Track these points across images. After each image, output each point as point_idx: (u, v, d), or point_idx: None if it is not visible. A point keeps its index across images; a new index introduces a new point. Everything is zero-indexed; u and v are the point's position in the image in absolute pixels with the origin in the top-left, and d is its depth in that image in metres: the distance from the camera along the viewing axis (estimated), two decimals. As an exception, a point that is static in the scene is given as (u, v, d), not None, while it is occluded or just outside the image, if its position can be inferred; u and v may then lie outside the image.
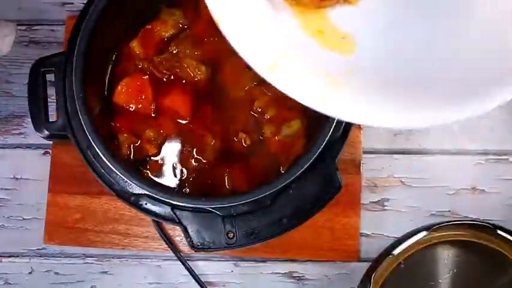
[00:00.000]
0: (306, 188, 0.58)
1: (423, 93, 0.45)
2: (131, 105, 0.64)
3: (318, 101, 0.43)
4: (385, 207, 0.69)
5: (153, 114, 0.65)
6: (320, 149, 0.57)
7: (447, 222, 0.57)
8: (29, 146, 0.71)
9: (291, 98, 0.54)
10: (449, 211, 0.69)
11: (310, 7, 0.48)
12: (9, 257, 0.70)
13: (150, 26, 0.66)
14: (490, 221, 0.57)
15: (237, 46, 0.43)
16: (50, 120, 0.60)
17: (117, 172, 0.57)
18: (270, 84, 0.49)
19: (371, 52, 0.48)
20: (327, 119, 0.58)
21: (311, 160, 0.57)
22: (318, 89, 0.44)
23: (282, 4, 0.48)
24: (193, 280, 0.66)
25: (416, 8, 0.48)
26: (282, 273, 0.68)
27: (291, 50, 0.46)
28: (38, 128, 0.60)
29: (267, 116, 0.64)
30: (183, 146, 0.65)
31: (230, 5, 0.44)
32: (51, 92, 0.61)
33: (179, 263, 0.67)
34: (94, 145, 0.58)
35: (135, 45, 0.65)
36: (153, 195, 0.57)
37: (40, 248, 0.69)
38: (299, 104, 0.57)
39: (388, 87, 0.46)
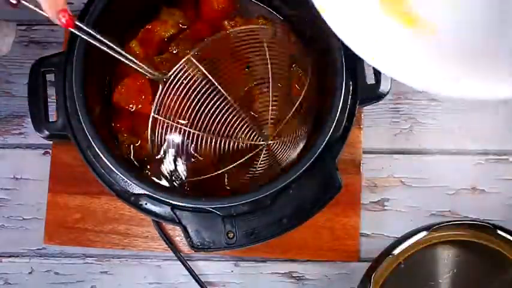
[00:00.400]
0: (306, 188, 0.58)
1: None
2: (131, 106, 0.64)
3: (422, 85, 0.50)
4: (385, 207, 0.69)
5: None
6: (320, 149, 0.57)
7: (447, 222, 0.57)
8: (29, 146, 0.71)
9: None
10: (449, 211, 0.69)
11: None
12: (9, 257, 0.70)
13: (150, 26, 0.66)
14: (490, 221, 0.57)
15: (341, 34, 0.50)
16: (50, 120, 0.60)
17: (117, 172, 0.57)
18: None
19: (449, 31, 0.54)
20: (327, 119, 0.58)
21: (311, 160, 0.57)
22: (417, 70, 0.51)
23: None
24: (193, 280, 0.66)
25: None
26: (282, 273, 0.68)
27: (385, 35, 0.53)
28: (38, 128, 0.60)
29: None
30: (182, 146, 0.64)
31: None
32: (51, 92, 0.61)
33: (179, 263, 0.67)
34: (94, 145, 0.58)
35: (135, 45, 0.65)
36: (153, 195, 0.57)
37: (40, 248, 0.69)
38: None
39: (470, 62, 0.52)
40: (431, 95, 0.70)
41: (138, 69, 0.58)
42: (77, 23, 0.53)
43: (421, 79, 0.51)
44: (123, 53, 0.56)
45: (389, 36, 0.53)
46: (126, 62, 0.57)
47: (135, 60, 0.57)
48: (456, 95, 0.51)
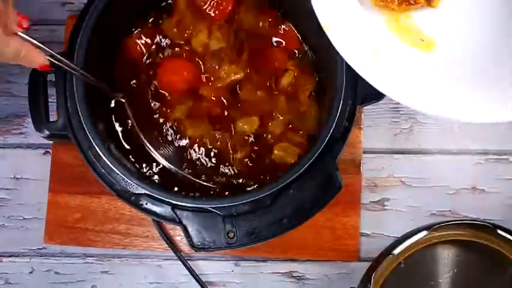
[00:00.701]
0: (306, 188, 0.58)
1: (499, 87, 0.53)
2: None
3: (408, 100, 0.52)
4: (385, 207, 0.69)
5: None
6: (320, 149, 0.57)
7: (447, 222, 0.57)
8: (29, 146, 0.71)
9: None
10: (449, 211, 0.69)
11: (396, 10, 0.56)
12: (10, 256, 0.70)
13: None
14: (490, 221, 0.57)
15: (341, 50, 0.53)
16: (51, 120, 0.60)
17: (118, 172, 0.57)
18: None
19: (448, 50, 0.56)
20: (327, 119, 0.58)
21: (311, 160, 0.57)
22: (406, 87, 0.53)
23: (373, 7, 0.57)
24: (194, 280, 0.66)
25: (488, 13, 0.57)
26: (282, 273, 0.68)
27: (383, 50, 0.55)
28: (38, 127, 0.60)
29: None
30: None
31: (335, 15, 0.53)
32: (51, 91, 0.61)
33: (179, 262, 0.67)
34: (95, 145, 0.58)
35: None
36: (154, 194, 0.57)
37: (40, 247, 0.69)
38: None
39: (466, 83, 0.53)
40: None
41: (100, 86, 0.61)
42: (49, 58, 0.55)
43: (421, 101, 0.52)
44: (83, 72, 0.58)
45: (391, 55, 0.55)
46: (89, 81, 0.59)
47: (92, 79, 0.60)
48: (463, 119, 0.52)
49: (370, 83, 0.52)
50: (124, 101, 0.64)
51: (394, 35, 0.57)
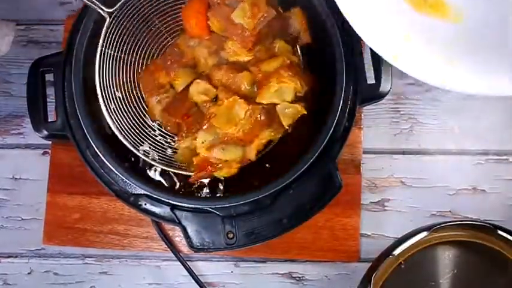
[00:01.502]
0: (306, 188, 0.58)
1: None
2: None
3: (438, 82, 0.51)
4: (385, 208, 0.69)
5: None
6: (320, 149, 0.57)
7: (447, 222, 0.56)
8: (28, 146, 0.71)
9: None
10: (449, 211, 0.69)
11: None
12: (8, 257, 0.69)
13: None
14: (490, 221, 0.57)
15: (367, 39, 0.51)
16: (49, 120, 0.60)
17: (117, 172, 0.57)
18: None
19: (476, 19, 0.54)
20: (327, 119, 0.58)
21: (311, 160, 0.57)
22: (437, 68, 0.52)
23: None
24: (193, 281, 0.66)
25: None
26: (282, 274, 0.68)
27: (410, 31, 0.53)
28: (36, 128, 0.60)
29: None
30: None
31: (356, 2, 0.52)
32: (50, 91, 0.61)
33: (179, 263, 0.67)
34: (93, 145, 0.57)
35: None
36: (153, 195, 0.57)
37: (39, 248, 0.69)
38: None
39: (495, 56, 0.52)
40: (431, 95, 0.70)
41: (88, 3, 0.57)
42: None
43: (452, 79, 0.52)
44: None
45: (421, 35, 0.53)
46: None
47: None
48: (485, 93, 0.51)
49: (404, 70, 0.51)
50: (108, 19, 0.59)
51: (420, 11, 0.54)
